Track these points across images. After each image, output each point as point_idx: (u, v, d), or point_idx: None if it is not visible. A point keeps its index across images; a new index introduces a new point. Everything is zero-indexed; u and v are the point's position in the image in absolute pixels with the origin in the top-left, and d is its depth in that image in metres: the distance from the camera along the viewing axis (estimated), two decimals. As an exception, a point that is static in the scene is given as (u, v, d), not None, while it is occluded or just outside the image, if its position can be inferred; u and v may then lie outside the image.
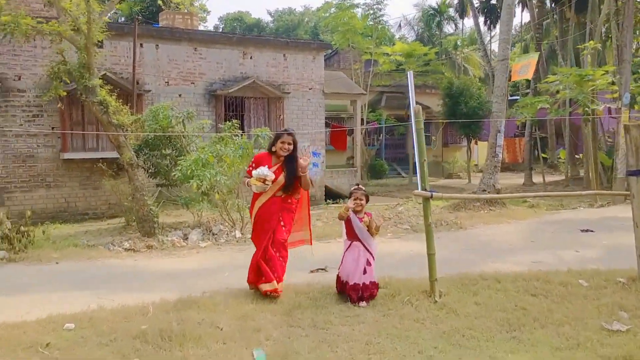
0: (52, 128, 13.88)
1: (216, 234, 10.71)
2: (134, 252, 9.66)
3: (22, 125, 13.53)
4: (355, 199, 6.18)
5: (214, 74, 16.03)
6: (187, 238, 10.49)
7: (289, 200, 6.38)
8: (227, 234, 10.72)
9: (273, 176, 6.10)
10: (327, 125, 21.10)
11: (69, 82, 10.86)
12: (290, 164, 6.25)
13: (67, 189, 14.29)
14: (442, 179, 28.07)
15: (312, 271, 7.84)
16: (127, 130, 10.80)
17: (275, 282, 6.24)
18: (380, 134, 28.53)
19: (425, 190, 6.25)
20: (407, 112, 26.15)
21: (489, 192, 14.39)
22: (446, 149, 30.44)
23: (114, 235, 11.27)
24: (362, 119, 22.94)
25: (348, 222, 6.23)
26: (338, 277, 6.38)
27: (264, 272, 6.27)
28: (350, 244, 6.25)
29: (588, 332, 5.25)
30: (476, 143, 29.18)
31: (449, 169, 29.15)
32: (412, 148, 25.47)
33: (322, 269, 7.95)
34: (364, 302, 6.04)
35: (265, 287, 6.27)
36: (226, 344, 5.05)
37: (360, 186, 6.37)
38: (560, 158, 26.69)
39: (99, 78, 11.44)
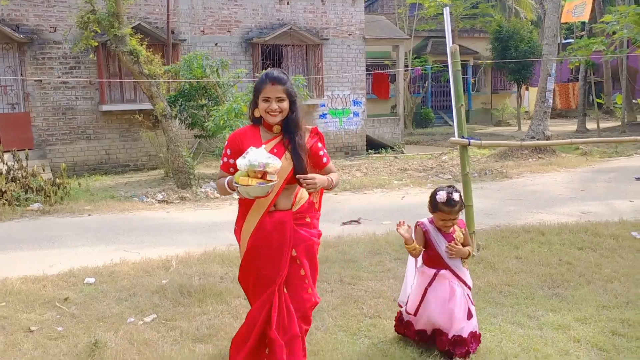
0: (89, 81, 13.80)
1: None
2: (167, 204, 9.55)
3: (60, 77, 13.47)
4: (442, 220, 3.73)
5: (250, 21, 15.55)
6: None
7: (308, 212, 3.41)
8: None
9: (279, 163, 3.09)
10: (368, 73, 20.44)
11: (99, 31, 10.62)
12: (293, 137, 3.30)
13: (107, 141, 14.29)
14: (490, 126, 27.09)
15: (344, 223, 7.54)
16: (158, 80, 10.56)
17: None
18: (426, 81, 27.61)
19: (463, 137, 5.77)
20: (454, 57, 25.10)
21: (537, 140, 13.67)
22: (495, 96, 29.28)
23: (153, 187, 11.21)
24: (406, 66, 22.14)
25: (427, 244, 3.80)
26: (408, 324, 3.93)
27: None
28: (435, 276, 3.75)
29: (639, 289, 4.78)
30: (527, 89, 27.94)
31: (498, 116, 28.08)
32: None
33: (355, 221, 7.63)
34: None
35: None
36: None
37: (454, 194, 3.70)
38: (616, 103, 25.28)
39: (133, 28, 11.20)
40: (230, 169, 3.32)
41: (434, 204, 3.73)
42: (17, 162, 9.49)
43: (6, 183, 8.97)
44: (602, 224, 6.73)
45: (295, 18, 16.03)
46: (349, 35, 16.88)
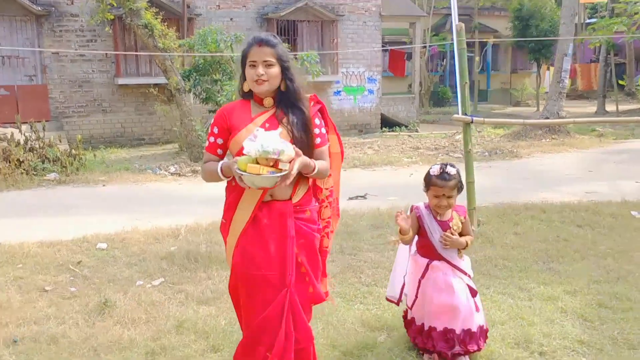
0: (106, 54, 14.00)
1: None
2: (179, 177, 9.77)
3: (77, 50, 13.68)
4: (436, 197, 3.33)
5: (266, -4, 15.61)
6: (234, 163, 10.50)
7: (308, 204, 2.94)
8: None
9: (293, 152, 2.61)
10: (384, 49, 20.38)
11: (115, 5, 10.78)
12: (291, 109, 2.85)
13: (122, 114, 14.51)
14: (509, 106, 26.90)
15: (350, 198, 7.69)
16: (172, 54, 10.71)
17: None
18: (444, 60, 27.44)
19: (466, 114, 5.87)
20: (473, 35, 24.94)
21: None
22: (515, 75, 29.00)
23: (167, 160, 11.44)
24: (424, 44, 22.05)
25: (420, 231, 3.41)
26: (410, 321, 3.56)
27: None
28: (428, 267, 3.39)
29: (631, 266, 4.91)
30: (548, 69, 27.65)
31: (518, 96, 27.84)
32: (478, 74, 24.23)
33: (361, 197, 7.79)
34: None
35: None
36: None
37: (448, 167, 3.33)
38: (638, 85, 24.98)
39: (149, 1, 11.34)
40: (218, 150, 2.86)
41: (427, 179, 3.37)
42: (35, 133, 9.74)
43: (24, 153, 9.24)
44: (603, 204, 6.82)
45: (312, -7, 16.03)
46: (365, 11, 16.85)
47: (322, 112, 2.98)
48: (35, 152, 9.53)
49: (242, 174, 2.57)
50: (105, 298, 4.29)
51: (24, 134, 9.76)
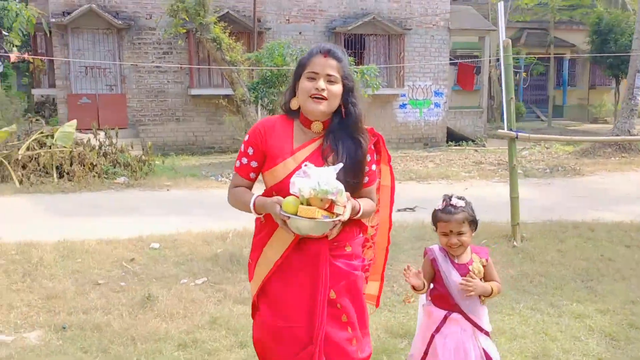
0: (180, 66, 14.72)
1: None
2: (239, 184, 10.15)
3: (153, 62, 14.47)
4: (444, 234, 2.85)
5: (335, 10, 15.93)
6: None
7: (349, 239, 2.52)
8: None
9: (345, 198, 2.28)
10: (452, 63, 20.26)
11: (187, 19, 11.38)
12: (344, 143, 2.42)
13: (195, 123, 15.18)
14: (586, 123, 26.04)
15: (399, 210, 7.76)
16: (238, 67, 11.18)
17: None
18: (518, 74, 26.89)
19: (511, 130, 5.89)
20: (549, 50, 24.36)
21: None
22: (593, 91, 28.04)
23: (231, 168, 11.88)
24: (497, 59, 21.73)
25: (435, 277, 2.91)
26: None
27: None
28: (445, 319, 2.88)
29: (672, 289, 4.78)
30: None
31: (595, 113, 26.90)
32: (554, 89, 23.57)
33: (410, 209, 7.85)
34: None
35: None
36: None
37: (454, 198, 2.89)
38: None
39: (221, 16, 11.89)
40: (251, 174, 2.43)
41: (433, 215, 2.90)
42: (108, 139, 10.41)
43: (97, 157, 9.89)
44: (658, 225, 6.61)
45: (379, 8, 16.23)
46: (433, 25, 16.88)
47: (377, 145, 2.56)
48: (107, 157, 10.18)
49: (289, 217, 2.18)
50: (149, 293, 4.63)
51: (99, 140, 10.44)
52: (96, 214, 7.69)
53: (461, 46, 22.51)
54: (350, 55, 14.91)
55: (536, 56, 24.93)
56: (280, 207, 2.21)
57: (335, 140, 2.36)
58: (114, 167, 9.98)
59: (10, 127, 10.42)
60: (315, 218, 2.16)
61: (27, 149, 9.78)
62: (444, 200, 2.87)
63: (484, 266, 2.90)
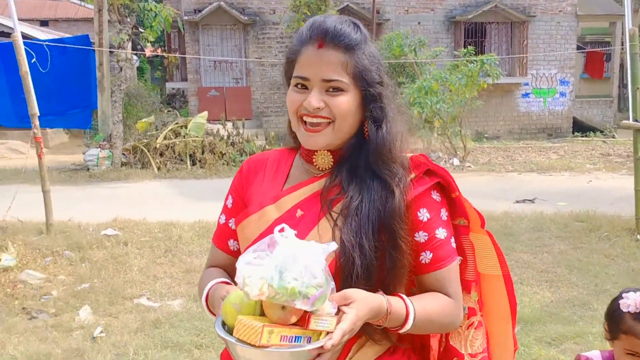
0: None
1: (433, 161, 10.96)
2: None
3: (276, 55, 15.11)
4: (630, 354, 1.75)
5: (455, -1, 15.77)
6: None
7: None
8: (445, 161, 10.88)
9: (330, 305, 1.15)
10: (579, 51, 19.27)
11: (309, 14, 11.80)
12: (364, 184, 1.34)
13: (314, 114, 15.67)
14: None
15: (517, 201, 7.71)
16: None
17: None
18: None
19: (637, 121, 5.69)
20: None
21: None
22: None
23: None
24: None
25: None
26: None
27: None
28: None
29: None
30: None
31: None
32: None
33: (529, 200, 7.76)
34: None
35: None
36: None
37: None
38: None
39: (341, 9, 12.23)
40: (229, 242, 1.51)
41: (614, 318, 1.81)
42: (235, 130, 11.11)
43: (226, 147, 10.61)
44: None
45: (501, -5, 15.85)
46: (560, 11, 16.21)
47: (442, 191, 1.43)
48: (235, 146, 10.88)
49: (226, 339, 1.17)
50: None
51: (227, 130, 11.17)
52: (220, 198, 8.30)
53: (590, 32, 21.35)
54: (470, 44, 14.73)
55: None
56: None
57: (351, 177, 1.36)
58: (241, 156, 10.65)
59: (149, 118, 11.42)
60: (261, 347, 1.11)
61: (164, 138, 10.68)
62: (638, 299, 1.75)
63: None
